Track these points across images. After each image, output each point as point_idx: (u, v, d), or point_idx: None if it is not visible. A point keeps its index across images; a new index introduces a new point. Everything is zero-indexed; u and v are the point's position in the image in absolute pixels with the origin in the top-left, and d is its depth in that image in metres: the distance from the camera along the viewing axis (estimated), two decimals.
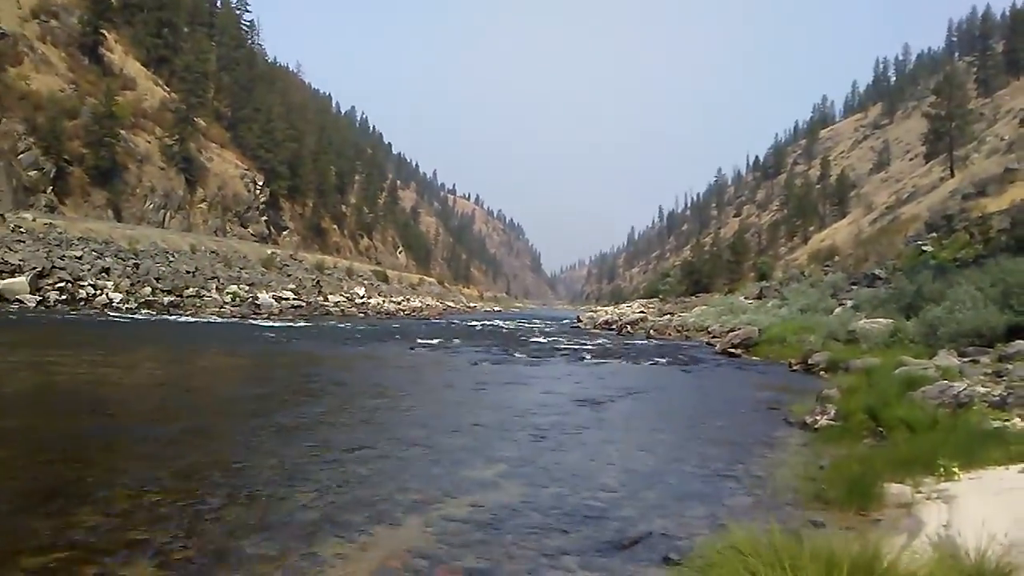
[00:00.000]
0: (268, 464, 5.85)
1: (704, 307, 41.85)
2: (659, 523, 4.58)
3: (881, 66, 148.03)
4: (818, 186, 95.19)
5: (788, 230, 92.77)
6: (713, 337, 26.31)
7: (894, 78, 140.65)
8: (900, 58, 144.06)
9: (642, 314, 45.18)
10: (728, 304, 37.11)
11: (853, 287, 27.25)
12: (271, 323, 29.14)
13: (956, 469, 5.14)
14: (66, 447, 6.19)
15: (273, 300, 41.09)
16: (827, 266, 40.94)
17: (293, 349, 18.45)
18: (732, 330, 24.35)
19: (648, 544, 4.09)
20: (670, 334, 32.26)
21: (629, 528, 4.44)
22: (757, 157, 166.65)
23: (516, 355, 19.31)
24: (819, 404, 8.96)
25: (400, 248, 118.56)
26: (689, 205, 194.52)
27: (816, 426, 8.16)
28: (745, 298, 37.75)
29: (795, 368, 16.22)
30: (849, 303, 23.93)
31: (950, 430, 6.36)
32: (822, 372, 14.67)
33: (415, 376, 14.10)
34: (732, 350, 21.38)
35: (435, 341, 23.57)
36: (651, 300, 64.28)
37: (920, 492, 4.96)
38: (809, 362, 15.85)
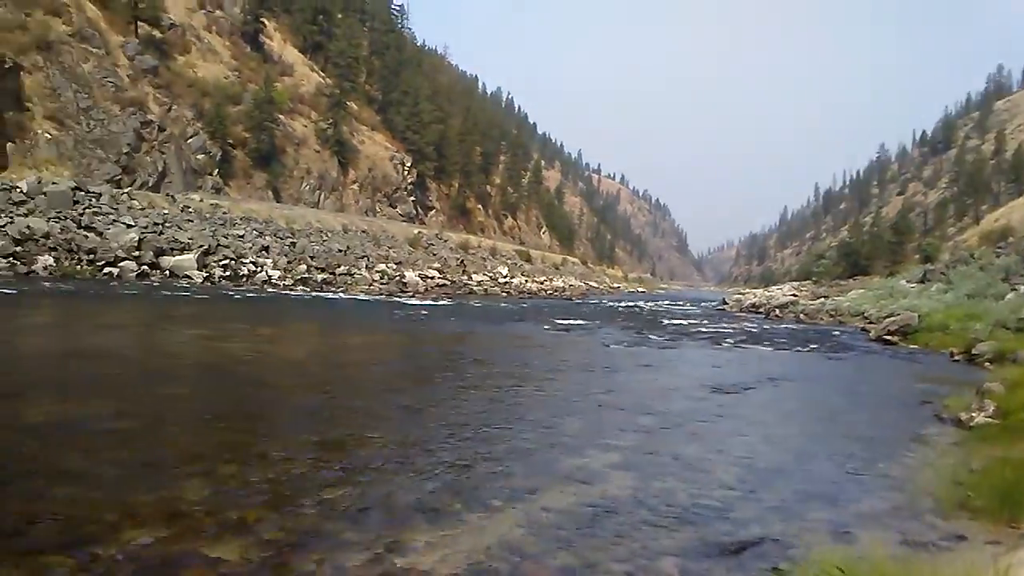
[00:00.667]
0: (385, 442, 5.86)
1: (861, 290, 39.73)
2: (776, 527, 4.22)
3: None
4: (992, 161, 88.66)
5: (957, 209, 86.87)
6: (869, 323, 24.89)
7: None
8: None
9: (793, 297, 43.38)
10: (888, 288, 35.06)
11: None
12: (416, 301, 29.85)
13: None
14: (219, 415, 6.53)
15: (419, 279, 42.12)
16: (1000, 248, 37.92)
17: (433, 327, 18.80)
18: (889, 315, 22.93)
19: (758, 551, 3.74)
20: (822, 319, 30.80)
21: (740, 531, 4.11)
22: (924, 131, 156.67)
23: (653, 337, 18.90)
24: (978, 399, 8.18)
25: (544, 228, 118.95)
26: (848, 183, 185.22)
27: (971, 424, 7.41)
28: (907, 282, 35.51)
29: (957, 358, 15.03)
30: (1022, 288, 22.10)
31: None
32: (987, 364, 13.40)
33: (545, 357, 14.00)
34: (888, 337, 20.12)
35: (573, 321, 23.46)
36: (804, 283, 61.69)
37: None
38: (973, 352, 14.60)
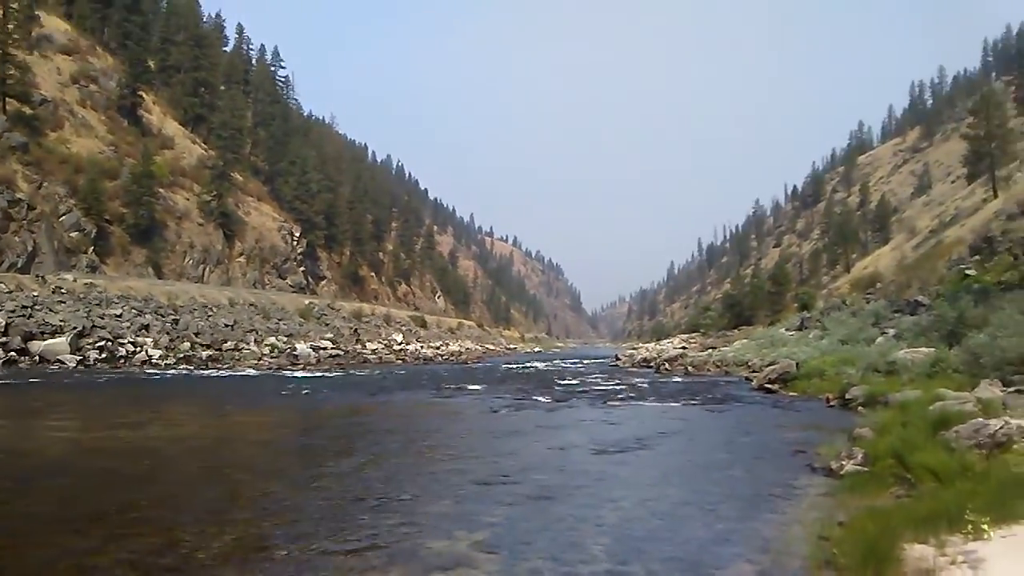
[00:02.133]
0: (226, 542, 5.53)
1: (745, 340, 41.03)
2: None
3: (917, 89, 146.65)
4: (859, 212, 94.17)
5: (830, 258, 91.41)
6: (752, 372, 25.64)
7: (931, 101, 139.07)
8: (936, 81, 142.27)
9: (682, 350, 44.43)
10: (769, 337, 36.29)
11: (896, 315, 26.41)
12: (307, 374, 29.09)
13: (986, 526, 4.55)
14: (64, 519, 5.96)
15: (311, 350, 41.18)
16: (869, 294, 39.98)
17: (319, 402, 18.27)
18: (771, 364, 23.67)
19: None
20: (709, 370, 31.57)
21: None
22: (795, 186, 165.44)
23: (542, 399, 18.85)
24: (847, 446, 8.38)
25: (438, 293, 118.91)
26: (728, 237, 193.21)
27: (842, 472, 7.55)
28: (786, 330, 36.89)
29: (832, 404, 15.55)
30: (891, 332, 23.20)
31: (982, 478, 5.76)
32: (859, 408, 13.91)
33: (427, 428, 13.74)
34: (769, 385, 20.73)
35: (466, 386, 23.24)
36: (693, 335, 63.37)
37: (944, 555, 4.36)
38: (846, 397, 15.12)
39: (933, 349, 16.80)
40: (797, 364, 21.40)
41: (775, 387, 20.32)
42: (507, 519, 6.16)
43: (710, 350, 40.12)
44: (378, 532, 5.68)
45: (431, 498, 6.99)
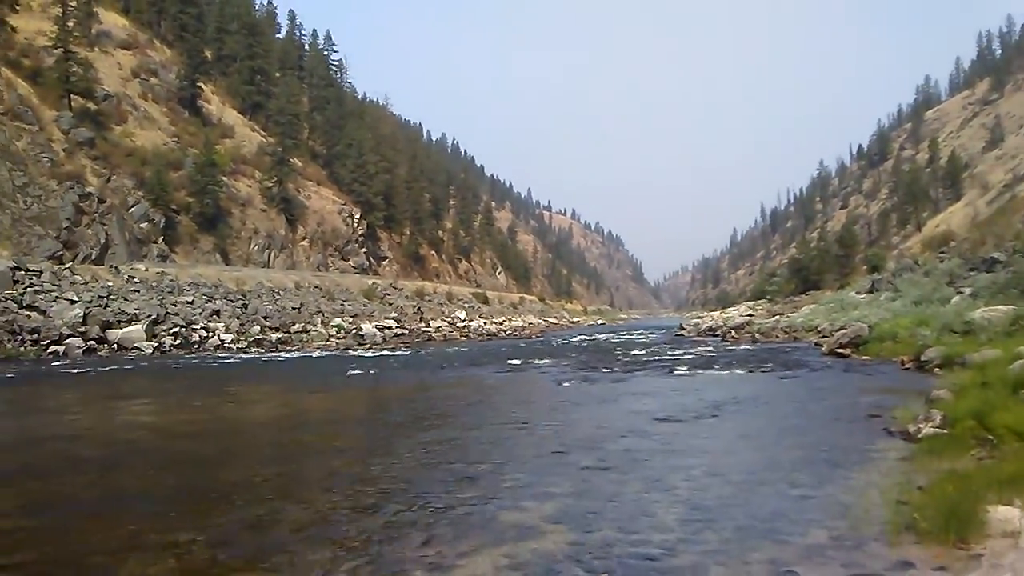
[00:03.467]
0: (307, 512, 5.64)
1: (813, 305, 40.28)
2: (714, 573, 4.03)
3: (985, 39, 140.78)
4: (928, 169, 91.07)
5: (899, 218, 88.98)
6: (822, 337, 25.15)
7: (1000, 51, 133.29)
8: (1004, 30, 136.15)
9: (749, 317, 43.82)
10: (838, 301, 35.57)
11: (971, 273, 25.57)
12: (373, 353, 29.50)
13: None
14: (142, 500, 6.16)
15: (376, 330, 41.69)
16: (942, 253, 38.76)
17: (387, 380, 18.48)
18: (841, 328, 23.18)
19: None
20: (777, 336, 31.08)
21: None
22: (860, 145, 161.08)
23: (607, 370, 18.79)
24: (925, 409, 8.15)
25: (499, 269, 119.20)
26: (792, 201, 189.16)
27: (919, 436, 7.31)
28: (856, 293, 36.08)
29: (907, 366, 15.16)
30: (967, 291, 22.51)
31: None
32: (936, 370, 13.52)
33: (494, 402, 13.81)
34: (840, 350, 20.31)
35: (529, 361, 23.33)
36: (759, 302, 62.49)
37: None
38: (922, 359, 14.71)
39: (1012, 307, 16.24)
40: (869, 327, 20.90)
41: (846, 352, 19.89)
42: (576, 490, 6.14)
43: (777, 316, 39.49)
44: (448, 505, 5.72)
45: (500, 471, 7.01)
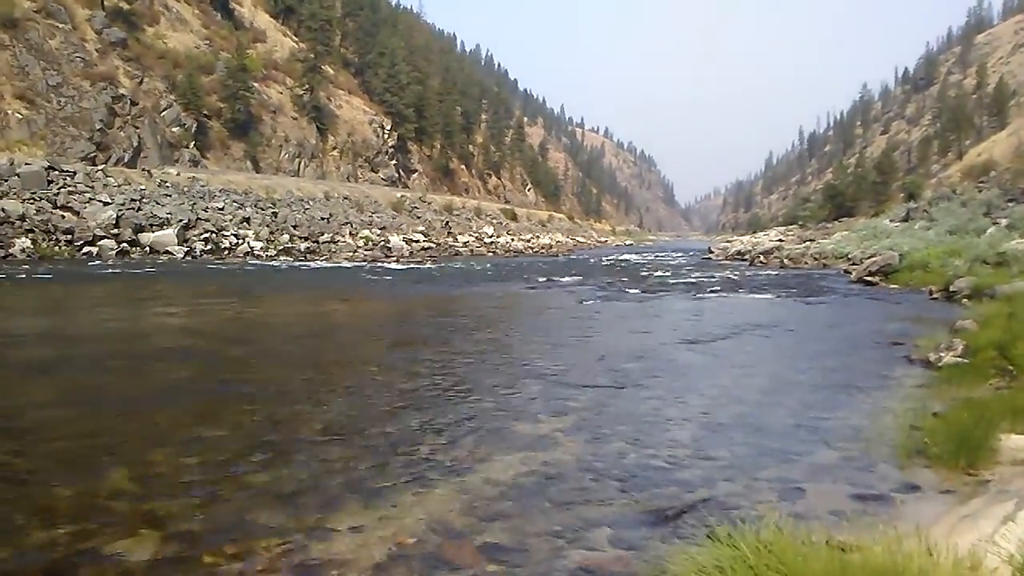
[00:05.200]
0: (329, 418, 5.76)
1: (845, 232, 39.81)
2: (721, 488, 4.10)
3: None
4: (974, 96, 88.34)
5: (941, 146, 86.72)
6: (852, 265, 24.94)
7: None
8: None
9: (779, 242, 43.42)
10: (871, 228, 35.12)
11: (1010, 204, 25.12)
12: (400, 266, 29.71)
13: None
14: (167, 397, 6.33)
15: (404, 243, 41.94)
16: (982, 182, 37.95)
17: (413, 292, 18.68)
18: (871, 256, 22.96)
19: (697, 515, 3.60)
20: (806, 263, 30.87)
21: (685, 494, 3.98)
22: (907, 69, 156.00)
23: (633, 291, 18.84)
24: (948, 338, 8.11)
25: (529, 185, 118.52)
26: (832, 125, 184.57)
27: (940, 364, 7.28)
28: (890, 221, 35.59)
29: (935, 296, 15.05)
30: (1003, 222, 22.13)
31: None
32: (964, 300, 13.44)
33: (517, 318, 13.95)
34: (869, 278, 20.15)
35: (556, 278, 23.41)
36: (790, 227, 61.74)
37: None
38: (951, 289, 14.58)
39: None
40: (900, 256, 20.68)
41: (875, 280, 19.74)
42: (592, 404, 6.24)
43: (808, 243, 39.09)
44: (466, 415, 5.85)
45: (519, 384, 7.12)
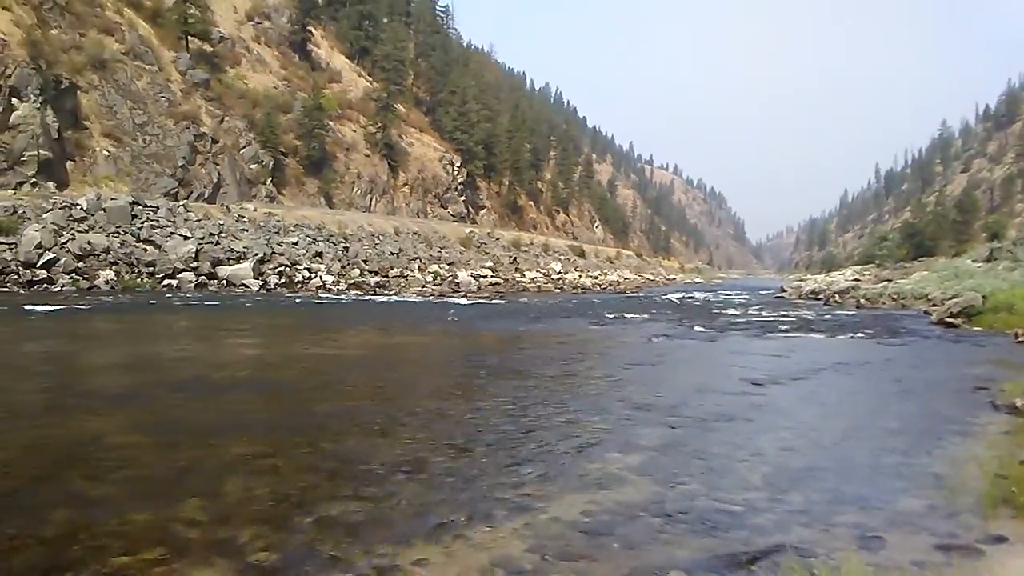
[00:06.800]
0: (399, 451, 5.78)
1: (925, 272, 38.66)
2: (798, 533, 3.97)
3: None
4: None
5: None
6: (932, 306, 24.15)
7: None
8: None
9: (855, 282, 42.35)
10: (952, 268, 34.02)
11: None
12: (468, 301, 29.89)
13: None
14: (240, 425, 6.45)
15: (471, 278, 42.22)
16: None
17: (481, 327, 18.74)
18: (953, 297, 22.20)
19: (773, 561, 3.48)
20: (884, 303, 29.98)
21: (759, 538, 3.87)
22: (988, 105, 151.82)
23: (702, 329, 18.54)
24: None
25: (597, 222, 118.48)
26: (909, 162, 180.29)
27: None
28: (973, 261, 34.47)
29: (1021, 340, 14.46)
30: None
31: None
32: None
33: (585, 355, 13.81)
34: (950, 320, 19.45)
35: (624, 315, 23.22)
36: (867, 266, 60.29)
37: None
38: None
39: None
40: (984, 297, 19.94)
41: (957, 321, 19.04)
42: (662, 445, 6.14)
43: (885, 282, 38.02)
44: (533, 452, 5.81)
45: (587, 422, 7.06)
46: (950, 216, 63.86)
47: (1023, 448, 5.62)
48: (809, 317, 23.42)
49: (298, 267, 34.40)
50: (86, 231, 28.23)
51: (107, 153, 38.00)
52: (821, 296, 36.33)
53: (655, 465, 5.45)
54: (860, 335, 17.09)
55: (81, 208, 29.60)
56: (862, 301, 31.02)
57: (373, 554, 3.63)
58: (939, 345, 15.00)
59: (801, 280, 59.39)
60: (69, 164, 35.93)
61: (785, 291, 44.70)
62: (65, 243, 26.59)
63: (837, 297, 33.84)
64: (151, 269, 27.90)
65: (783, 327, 19.46)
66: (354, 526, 4.01)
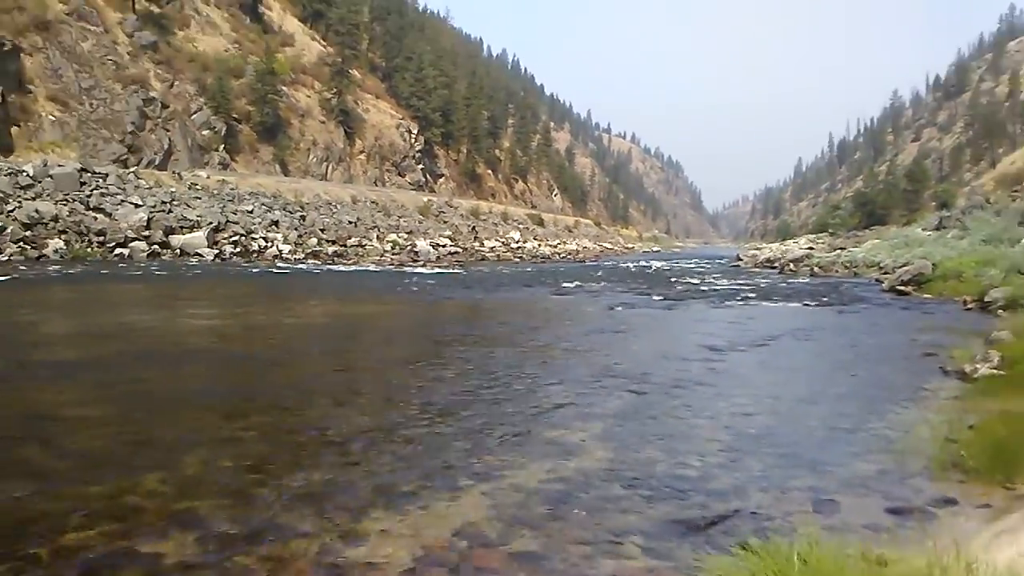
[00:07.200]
0: (358, 421, 5.76)
1: (877, 241, 39.44)
2: (754, 498, 4.06)
3: None
4: (1007, 103, 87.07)
5: (973, 154, 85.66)
6: (884, 274, 24.66)
7: None
8: None
9: (808, 250, 43.06)
10: (903, 237, 34.79)
11: None
12: (427, 270, 29.78)
13: None
14: (197, 397, 6.40)
15: (430, 247, 42.04)
16: (1016, 192, 37.43)
17: (440, 296, 18.67)
18: (903, 265, 22.68)
19: (729, 526, 3.60)
20: (837, 271, 30.58)
21: (716, 504, 3.95)
22: (938, 75, 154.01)
23: (659, 298, 18.73)
24: (983, 349, 7.99)
25: (555, 190, 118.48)
26: (862, 131, 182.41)
27: (975, 376, 7.17)
28: (923, 230, 35.22)
29: (970, 307, 14.81)
30: None
31: None
32: (1000, 311, 13.23)
33: (544, 324, 13.87)
34: (901, 288, 19.90)
35: (582, 284, 23.35)
36: (820, 235, 61.20)
37: None
38: (986, 300, 14.35)
39: None
40: (933, 265, 20.41)
41: (908, 289, 19.49)
42: (621, 412, 6.21)
43: (838, 251, 38.75)
44: (495, 420, 5.84)
45: (547, 390, 7.12)
46: (901, 185, 64.97)
47: (972, 413, 5.78)
48: (764, 285, 23.78)
49: (253, 236, 33.92)
50: (33, 199, 27.44)
51: (53, 118, 36.85)
52: (776, 264, 36.89)
53: (615, 432, 5.51)
54: (814, 303, 17.40)
55: (27, 175, 28.72)
56: (816, 269, 31.56)
57: (335, 524, 3.63)
58: (890, 312, 15.34)
59: (756, 249, 60.18)
60: (14, 129, 34.79)
61: (741, 260, 45.27)
62: (12, 211, 25.86)
63: (791, 265, 34.39)
64: (102, 238, 27.24)
65: (739, 295, 19.72)
66: (316, 496, 4.00)
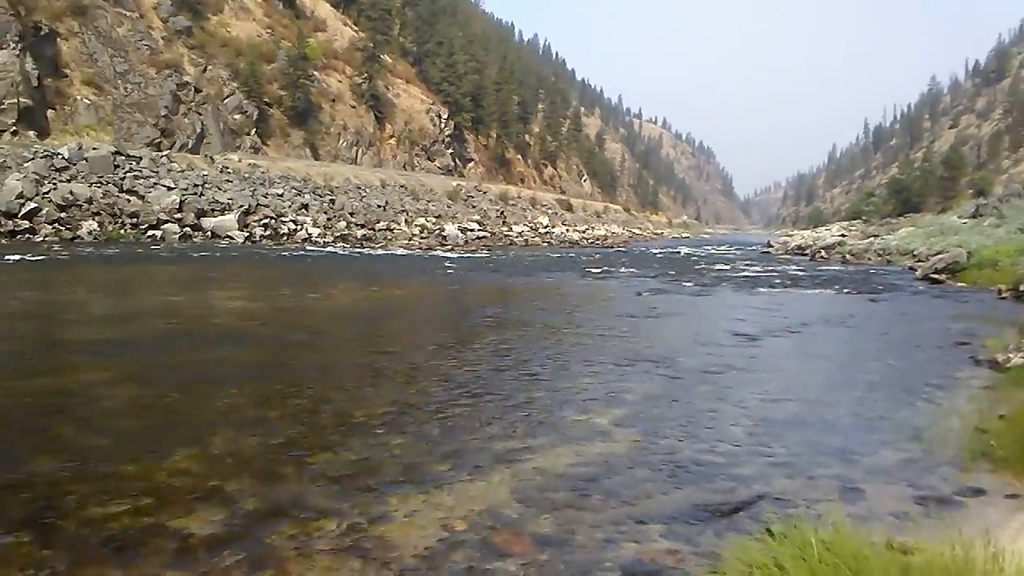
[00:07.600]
0: (386, 402, 5.79)
1: (911, 228, 38.85)
2: (778, 484, 4.03)
3: None
4: None
5: (1012, 141, 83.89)
6: (917, 261, 24.32)
7: None
8: None
9: (841, 237, 42.52)
10: (938, 224, 34.22)
11: None
12: (455, 254, 29.82)
13: None
14: (227, 377, 6.48)
15: (459, 231, 42.03)
16: None
17: (468, 280, 18.70)
18: (938, 253, 22.34)
19: (753, 511, 3.57)
20: (870, 259, 30.19)
21: (740, 489, 3.93)
22: (977, 61, 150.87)
23: (689, 284, 18.61)
24: (1017, 338, 7.83)
25: (585, 176, 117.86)
26: (899, 118, 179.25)
27: (1008, 365, 7.03)
28: (959, 218, 34.62)
29: (1004, 296, 14.57)
30: None
31: None
32: None
33: (572, 309, 13.83)
34: (935, 276, 19.61)
35: (610, 270, 23.26)
36: (853, 222, 60.33)
37: None
38: (1021, 288, 14.18)
39: None
40: (968, 253, 20.08)
41: (942, 277, 19.20)
42: (647, 398, 6.19)
43: (872, 238, 38.23)
44: (522, 404, 5.86)
45: (573, 375, 7.11)
46: (937, 172, 63.81)
47: (1003, 402, 5.69)
48: (796, 272, 23.53)
49: (283, 219, 34.12)
50: (68, 181, 27.82)
51: (88, 102, 37.29)
52: (807, 252, 36.50)
53: (641, 417, 5.50)
54: (846, 290, 17.21)
55: (63, 157, 29.10)
56: (848, 257, 31.18)
57: (362, 504, 3.66)
58: (923, 300, 15.12)
59: (788, 236, 59.48)
60: (50, 112, 35.27)
61: (772, 246, 44.83)
62: (47, 193, 26.24)
63: (823, 253, 34.00)
64: (134, 220, 27.59)
65: (769, 282, 19.55)
66: (341, 476, 4.04)
